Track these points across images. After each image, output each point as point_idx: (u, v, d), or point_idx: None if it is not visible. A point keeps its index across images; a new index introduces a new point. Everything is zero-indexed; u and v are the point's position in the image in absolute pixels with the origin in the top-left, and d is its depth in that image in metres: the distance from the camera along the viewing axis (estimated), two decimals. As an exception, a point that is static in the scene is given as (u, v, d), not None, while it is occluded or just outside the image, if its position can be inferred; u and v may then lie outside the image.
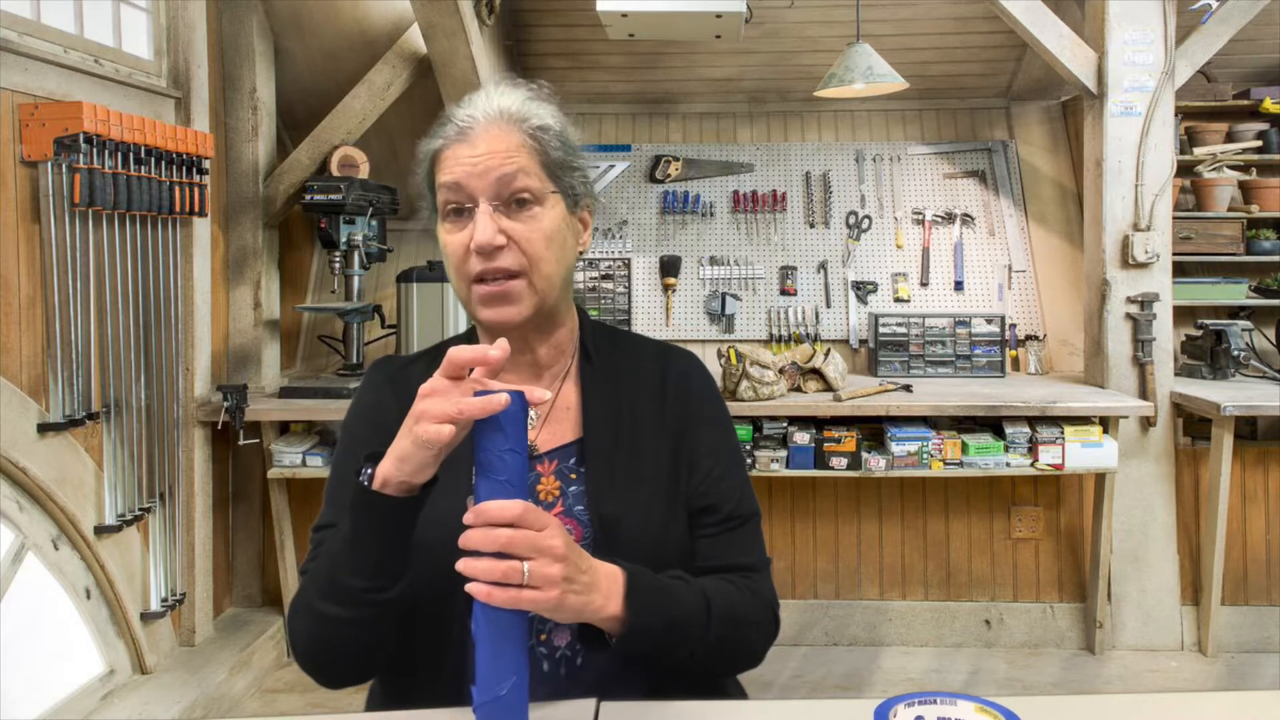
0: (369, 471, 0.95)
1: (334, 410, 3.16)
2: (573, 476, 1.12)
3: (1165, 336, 3.31)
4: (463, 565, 0.87)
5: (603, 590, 0.95)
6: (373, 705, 1.16)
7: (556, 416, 1.16)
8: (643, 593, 0.99)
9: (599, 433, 1.13)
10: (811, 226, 3.96)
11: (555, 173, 1.09)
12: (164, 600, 2.91)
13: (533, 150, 1.07)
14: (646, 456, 1.13)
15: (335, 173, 3.47)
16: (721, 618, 1.06)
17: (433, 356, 1.21)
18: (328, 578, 1.00)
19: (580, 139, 1.16)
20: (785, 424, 3.19)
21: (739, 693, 1.18)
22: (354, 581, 0.97)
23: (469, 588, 0.86)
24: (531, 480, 1.11)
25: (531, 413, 1.14)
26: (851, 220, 3.95)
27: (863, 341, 3.83)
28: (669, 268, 3.89)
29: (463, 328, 1.24)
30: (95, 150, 2.54)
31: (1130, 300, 3.31)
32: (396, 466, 0.92)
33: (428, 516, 0.97)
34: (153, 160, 2.77)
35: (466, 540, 0.87)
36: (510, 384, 0.92)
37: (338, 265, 3.44)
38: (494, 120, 1.07)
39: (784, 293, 3.88)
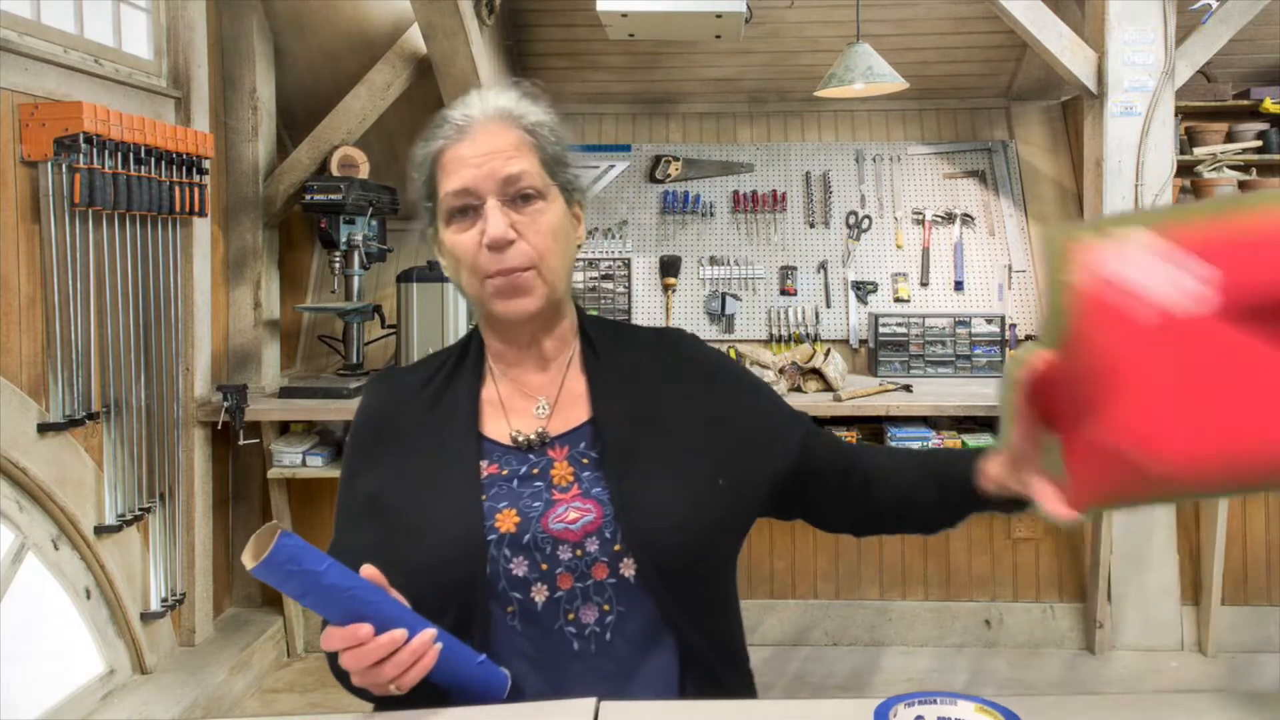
0: None
1: (334, 410, 3.16)
2: (584, 461, 1.11)
3: (1165, 336, 3.31)
4: None
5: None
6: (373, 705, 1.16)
7: (566, 404, 1.16)
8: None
9: (612, 413, 1.13)
10: (811, 226, 3.96)
11: (553, 168, 1.12)
12: (164, 600, 2.91)
13: (531, 147, 1.10)
14: (667, 433, 1.13)
15: (335, 173, 3.47)
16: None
17: (428, 364, 1.22)
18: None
19: (570, 138, 1.18)
20: (785, 424, 3.18)
21: (748, 692, 1.17)
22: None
23: None
24: (543, 465, 1.11)
25: (542, 401, 1.15)
26: (851, 220, 3.94)
27: (863, 341, 3.83)
28: (669, 268, 3.89)
29: (463, 327, 1.25)
30: (95, 150, 2.54)
31: (1130, 300, 3.30)
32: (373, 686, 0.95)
33: (421, 518, 0.98)
34: (153, 160, 2.77)
35: None
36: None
37: (338, 265, 3.44)
38: (491, 118, 1.10)
39: (784, 293, 3.88)
